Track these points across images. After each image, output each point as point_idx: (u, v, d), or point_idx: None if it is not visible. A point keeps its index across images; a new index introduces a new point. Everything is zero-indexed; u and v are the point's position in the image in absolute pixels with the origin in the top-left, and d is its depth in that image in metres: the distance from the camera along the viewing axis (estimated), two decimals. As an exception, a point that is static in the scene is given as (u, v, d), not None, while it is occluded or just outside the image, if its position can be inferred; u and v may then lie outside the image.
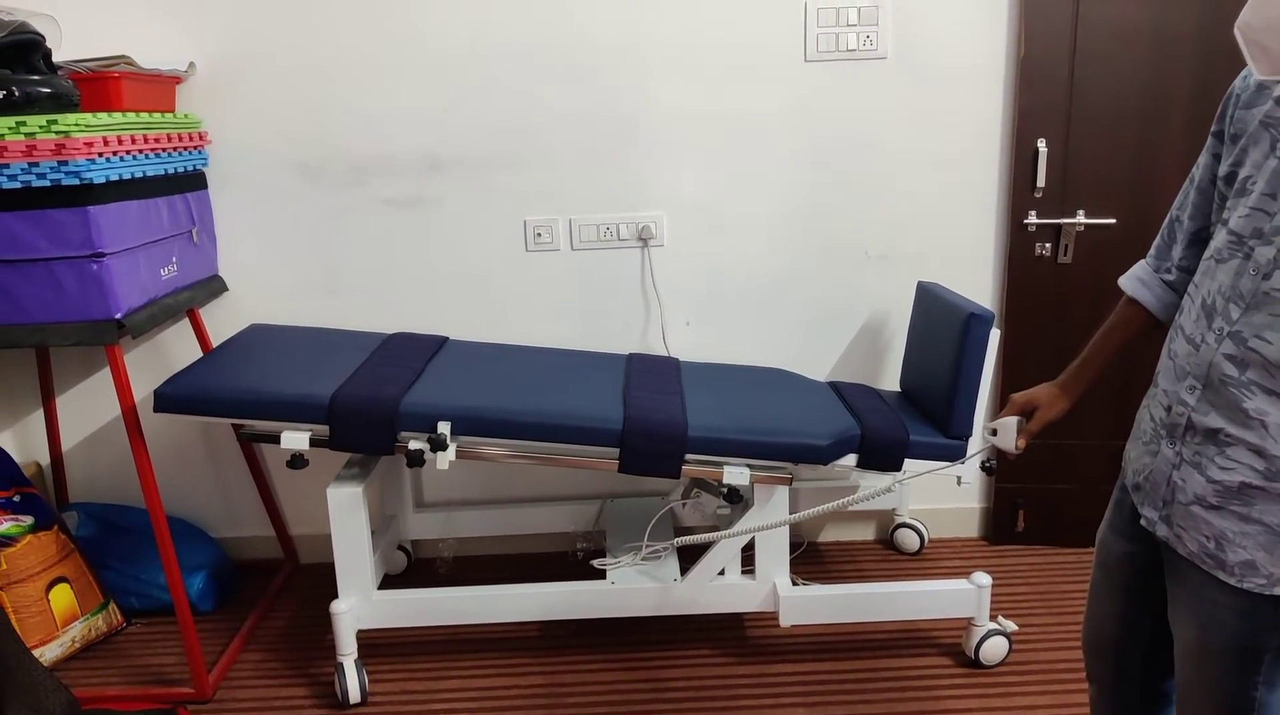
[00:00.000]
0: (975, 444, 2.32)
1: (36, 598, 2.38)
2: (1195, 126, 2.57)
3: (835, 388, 2.58)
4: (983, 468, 2.27)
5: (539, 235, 2.72)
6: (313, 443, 2.15)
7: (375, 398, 2.12)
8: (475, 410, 2.14)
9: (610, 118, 2.64)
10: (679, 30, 2.59)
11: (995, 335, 2.28)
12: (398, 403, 2.12)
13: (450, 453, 2.11)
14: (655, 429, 2.14)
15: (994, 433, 1.67)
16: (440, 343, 2.57)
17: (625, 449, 2.15)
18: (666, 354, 2.80)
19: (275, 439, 2.17)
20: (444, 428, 2.12)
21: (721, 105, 2.64)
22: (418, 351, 2.45)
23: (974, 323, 2.23)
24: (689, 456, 2.17)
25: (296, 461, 2.16)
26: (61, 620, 2.42)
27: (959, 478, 2.32)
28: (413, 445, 2.13)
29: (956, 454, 2.29)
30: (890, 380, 2.86)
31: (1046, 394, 1.61)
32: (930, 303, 2.50)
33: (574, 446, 2.17)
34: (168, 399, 2.15)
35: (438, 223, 2.71)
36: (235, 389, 2.16)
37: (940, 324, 2.39)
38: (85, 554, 2.53)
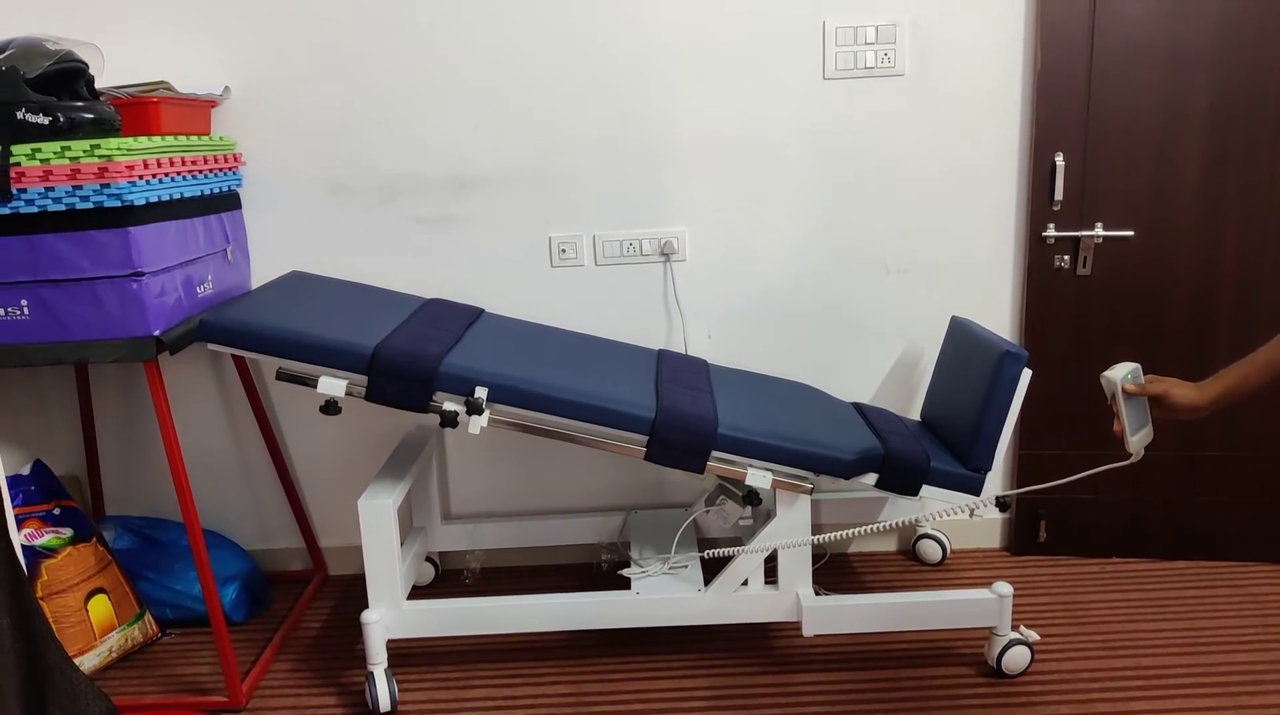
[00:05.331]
0: (992, 483, 2.34)
1: (76, 608, 2.44)
2: (1213, 138, 2.58)
3: (859, 408, 2.61)
4: (997, 504, 2.31)
5: (563, 251, 2.77)
6: (347, 393, 2.18)
7: (418, 355, 2.16)
8: (513, 380, 2.18)
9: (633, 135, 2.70)
10: (699, 49, 2.64)
11: (1026, 374, 2.29)
12: (439, 363, 2.16)
13: (483, 418, 2.15)
14: (687, 422, 2.17)
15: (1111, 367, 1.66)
16: (477, 314, 2.60)
17: (654, 438, 2.18)
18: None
19: (309, 382, 2.18)
20: (481, 393, 2.16)
21: (742, 122, 2.69)
22: (456, 318, 2.49)
23: (1007, 360, 2.26)
24: (714, 454, 2.20)
25: (330, 407, 2.18)
26: (100, 630, 2.48)
27: (971, 511, 2.34)
28: (447, 406, 2.17)
29: (974, 486, 2.31)
30: (910, 408, 2.89)
31: (1180, 380, 1.58)
32: (962, 337, 2.53)
33: (604, 429, 2.20)
34: (213, 328, 2.16)
35: (465, 240, 2.76)
36: (280, 328, 2.17)
37: (972, 359, 2.42)
38: (122, 565, 2.59)
